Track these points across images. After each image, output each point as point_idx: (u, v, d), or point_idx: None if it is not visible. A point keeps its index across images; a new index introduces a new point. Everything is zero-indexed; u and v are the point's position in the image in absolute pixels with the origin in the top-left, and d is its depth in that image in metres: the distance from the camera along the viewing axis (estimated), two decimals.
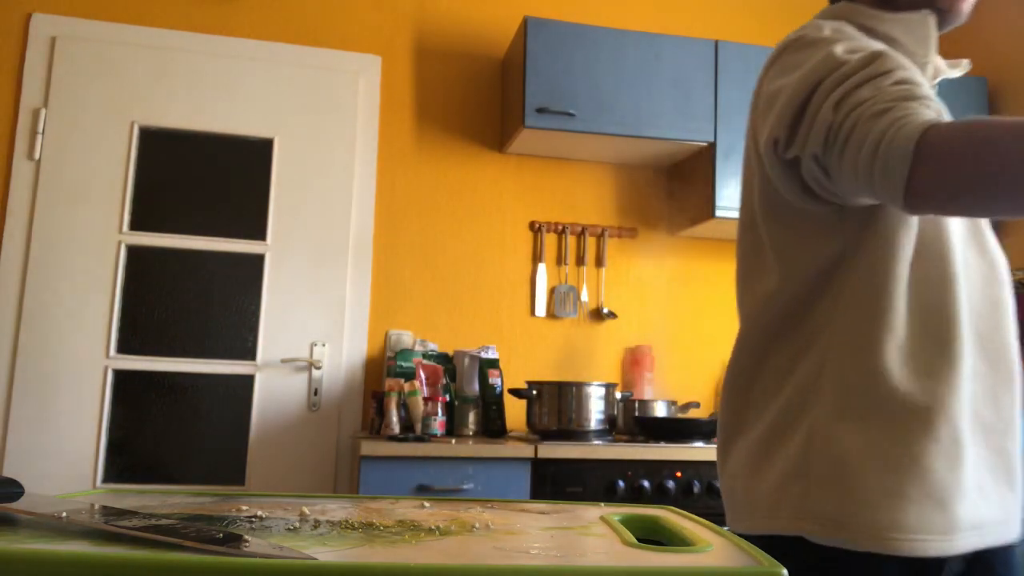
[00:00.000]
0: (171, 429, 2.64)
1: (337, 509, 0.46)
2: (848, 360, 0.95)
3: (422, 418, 2.45)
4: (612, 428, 2.49)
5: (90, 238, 2.64)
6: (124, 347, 2.64)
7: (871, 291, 0.94)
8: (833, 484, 0.92)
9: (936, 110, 0.85)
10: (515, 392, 2.51)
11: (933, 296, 0.95)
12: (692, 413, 2.77)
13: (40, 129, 2.64)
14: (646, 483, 2.29)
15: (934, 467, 0.91)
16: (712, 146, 2.75)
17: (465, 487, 2.22)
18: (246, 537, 0.34)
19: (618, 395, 2.55)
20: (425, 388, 2.49)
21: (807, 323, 0.99)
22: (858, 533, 0.90)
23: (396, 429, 2.42)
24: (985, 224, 1.04)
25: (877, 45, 0.95)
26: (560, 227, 2.98)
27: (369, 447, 2.19)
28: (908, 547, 0.88)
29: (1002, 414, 0.99)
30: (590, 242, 3.01)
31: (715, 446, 2.35)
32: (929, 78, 1.04)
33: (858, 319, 0.95)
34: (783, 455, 0.97)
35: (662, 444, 2.35)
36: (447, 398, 2.56)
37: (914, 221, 0.95)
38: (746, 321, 1.07)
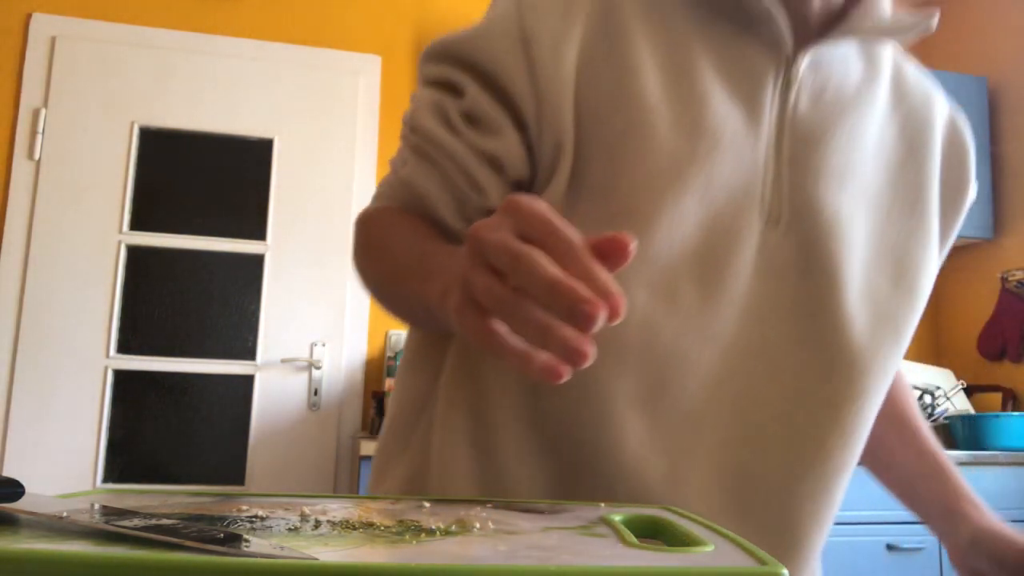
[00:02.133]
0: (171, 429, 2.64)
1: (338, 509, 0.46)
2: None
3: None
4: None
5: (90, 238, 2.64)
6: (124, 347, 2.64)
7: None
8: None
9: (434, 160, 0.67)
10: None
11: None
12: None
13: (40, 129, 2.64)
14: None
15: None
16: None
17: None
18: (247, 537, 0.34)
19: None
20: None
21: None
22: None
23: None
24: None
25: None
26: None
27: (369, 447, 2.18)
28: None
29: None
30: None
31: None
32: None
33: None
34: None
35: None
36: None
37: None
38: None
